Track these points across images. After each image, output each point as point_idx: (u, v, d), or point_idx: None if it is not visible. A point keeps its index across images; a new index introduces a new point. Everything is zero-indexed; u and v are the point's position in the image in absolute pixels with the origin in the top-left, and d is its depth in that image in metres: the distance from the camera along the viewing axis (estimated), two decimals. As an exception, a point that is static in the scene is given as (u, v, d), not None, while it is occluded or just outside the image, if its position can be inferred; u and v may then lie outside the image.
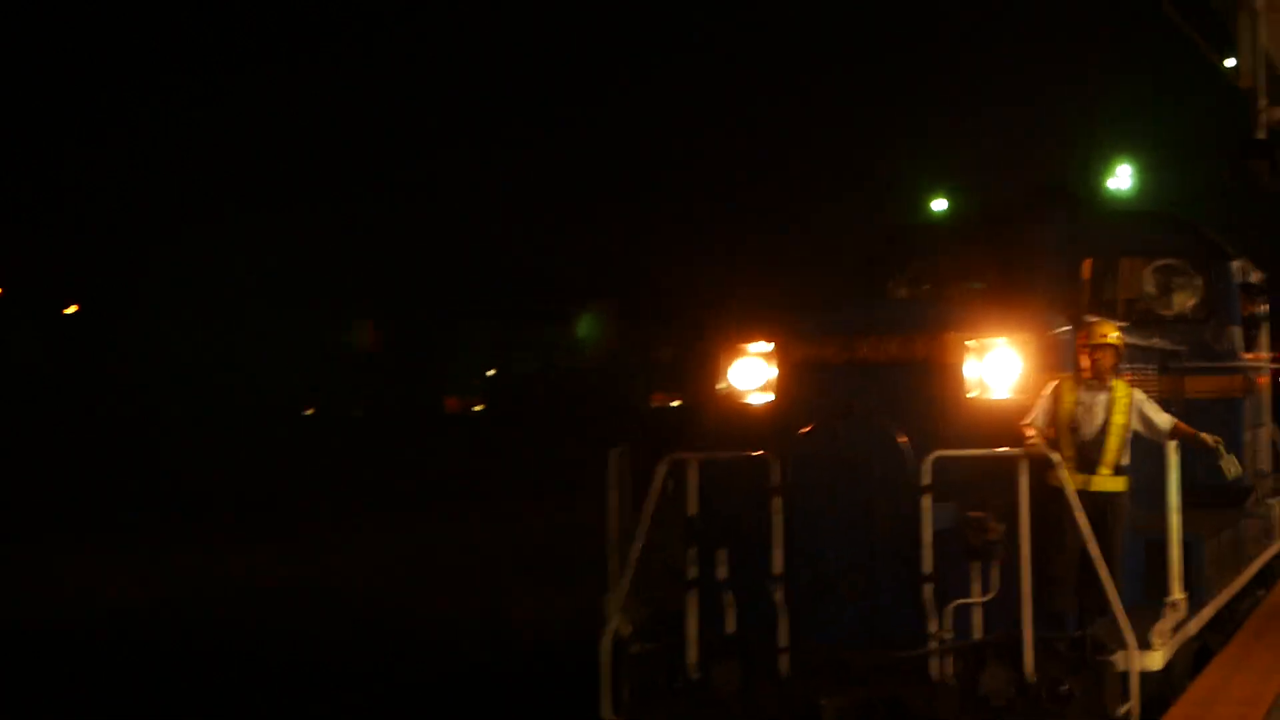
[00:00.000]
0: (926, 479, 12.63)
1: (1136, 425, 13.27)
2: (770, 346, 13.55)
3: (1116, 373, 13.34)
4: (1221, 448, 13.64)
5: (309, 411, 66.67)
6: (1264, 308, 21.04)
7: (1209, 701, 13.02)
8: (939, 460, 12.70)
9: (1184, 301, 18.98)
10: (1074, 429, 13.01)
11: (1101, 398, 13.13)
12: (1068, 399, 13.05)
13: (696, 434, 13.91)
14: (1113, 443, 13.04)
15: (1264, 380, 21.29)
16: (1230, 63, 18.24)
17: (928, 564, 12.63)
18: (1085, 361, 13.13)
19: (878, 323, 13.40)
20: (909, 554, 12.69)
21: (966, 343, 13.22)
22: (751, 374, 13.59)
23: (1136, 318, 18.17)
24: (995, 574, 12.70)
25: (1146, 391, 16.89)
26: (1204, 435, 13.68)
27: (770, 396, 13.57)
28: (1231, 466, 13.65)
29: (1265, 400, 21.51)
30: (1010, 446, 12.74)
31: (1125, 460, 13.20)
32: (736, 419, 13.63)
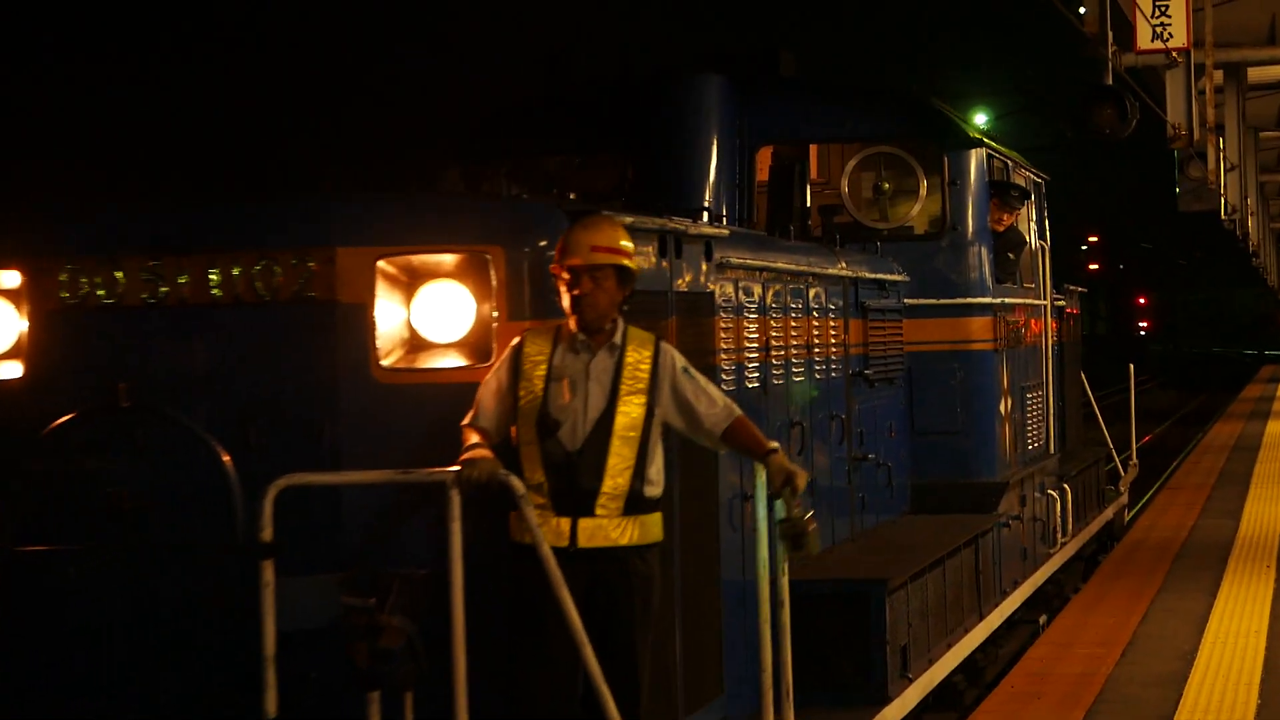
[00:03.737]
0: (268, 529, 6.39)
1: (671, 415, 7.04)
2: (18, 278, 7.24)
3: (625, 315, 7.03)
4: (790, 491, 7.01)
5: None
6: (1032, 222, 14.94)
7: (1067, 642, 12.27)
8: (294, 493, 6.48)
9: (905, 210, 12.87)
10: (547, 427, 6.75)
11: (599, 367, 6.91)
12: (535, 372, 6.83)
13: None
14: (620, 452, 6.83)
15: (1038, 324, 15.22)
16: (1082, 11, 17.12)
17: (271, 700, 6.40)
18: (566, 300, 6.88)
19: (210, 231, 7.10)
20: (247, 674, 6.48)
21: (380, 265, 6.99)
22: (-10, 328, 7.29)
23: (835, 232, 12.03)
24: (409, 711, 6.52)
25: (833, 343, 10.79)
26: (774, 451, 7.22)
27: (18, 368, 7.26)
28: (801, 536, 7.10)
29: (1046, 351, 15.44)
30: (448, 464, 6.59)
31: (654, 486, 6.93)
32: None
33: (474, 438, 6.63)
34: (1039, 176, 15.52)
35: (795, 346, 10.00)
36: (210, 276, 6.99)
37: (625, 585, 6.70)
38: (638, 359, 6.79)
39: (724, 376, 8.70)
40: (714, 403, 6.94)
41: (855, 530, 11.04)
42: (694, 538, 7.96)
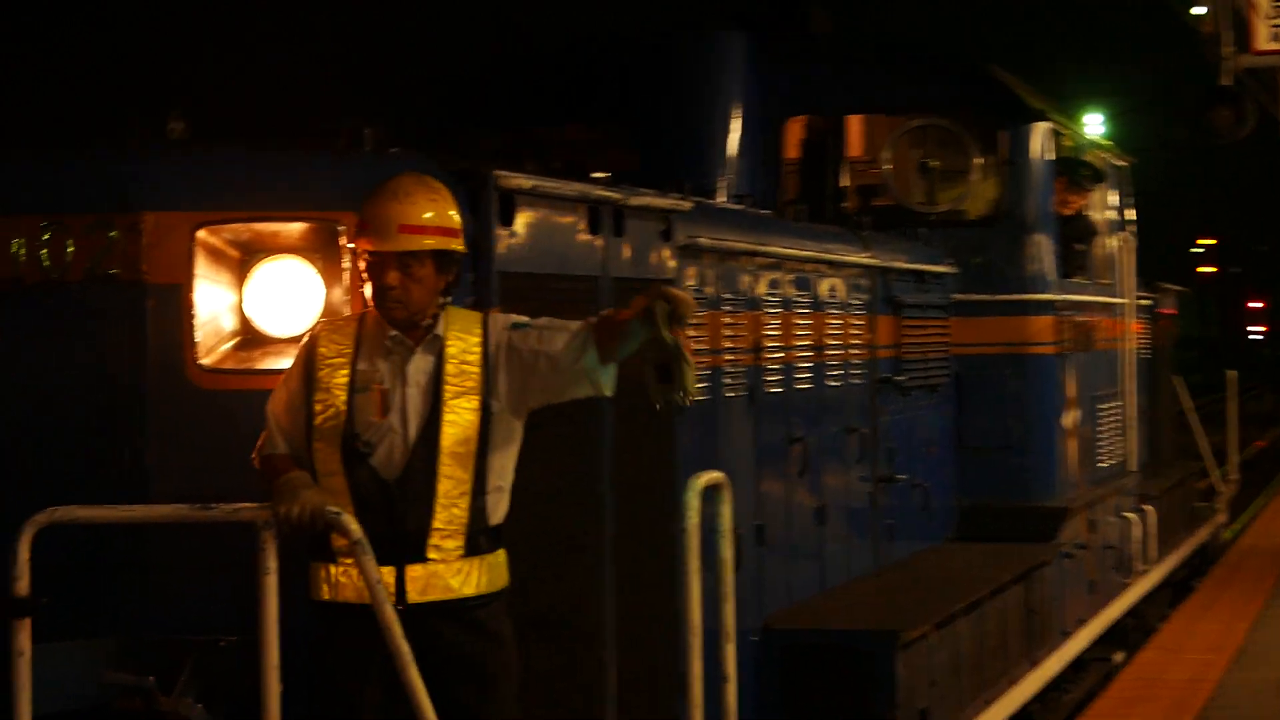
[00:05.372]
0: (23, 579, 4.84)
1: (525, 392, 5.13)
2: None
3: (444, 303, 5.26)
4: (664, 305, 5.01)
5: None
6: (1111, 209, 13.19)
7: (1177, 648, 12.44)
8: (70, 534, 4.94)
9: (955, 192, 11.19)
10: (356, 453, 5.11)
11: (417, 369, 5.15)
12: (335, 380, 5.22)
13: None
14: (452, 474, 5.05)
15: (1117, 326, 13.46)
16: (1198, 11, 17.16)
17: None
18: (368, 289, 5.17)
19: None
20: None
21: (200, 235, 5.43)
22: None
23: (869, 215, 10.37)
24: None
25: (855, 344, 9.16)
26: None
27: None
28: (672, 362, 5.18)
29: (1125, 355, 13.69)
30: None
31: (496, 514, 5.16)
32: None
33: (280, 464, 5.03)
34: (1121, 159, 13.78)
35: (800, 347, 8.37)
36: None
37: (475, 651, 5.06)
38: (464, 347, 5.10)
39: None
40: (567, 328, 5.18)
41: (880, 563, 9.40)
42: (636, 588, 6.36)
